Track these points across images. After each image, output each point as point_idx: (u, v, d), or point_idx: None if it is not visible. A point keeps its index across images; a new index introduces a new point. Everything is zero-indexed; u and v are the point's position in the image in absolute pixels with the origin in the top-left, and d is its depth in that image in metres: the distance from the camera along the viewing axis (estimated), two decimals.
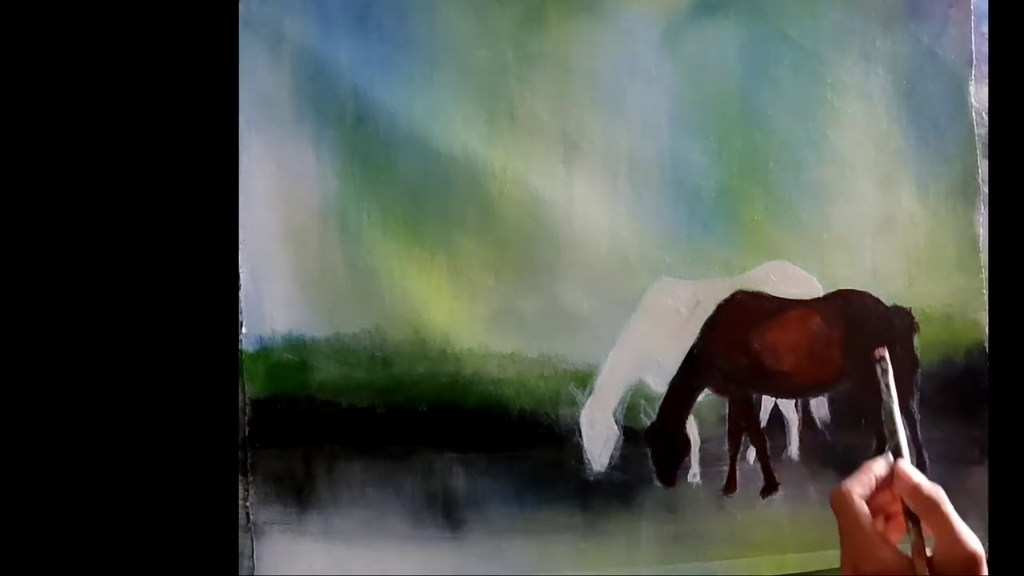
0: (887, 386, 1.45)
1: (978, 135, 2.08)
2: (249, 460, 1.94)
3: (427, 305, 1.98)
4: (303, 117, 1.97)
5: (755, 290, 2.06)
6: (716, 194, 2.05)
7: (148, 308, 1.51)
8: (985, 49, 2.05)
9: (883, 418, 1.44)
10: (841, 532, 1.33)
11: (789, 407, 2.11)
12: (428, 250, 1.99)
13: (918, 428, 2.04)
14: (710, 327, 2.06)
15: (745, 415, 2.08)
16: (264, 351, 1.95)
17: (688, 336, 2.06)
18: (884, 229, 2.09)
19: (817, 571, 1.99)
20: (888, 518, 1.41)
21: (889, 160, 2.09)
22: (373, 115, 1.98)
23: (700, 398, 2.07)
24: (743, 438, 2.08)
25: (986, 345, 2.04)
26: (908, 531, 1.35)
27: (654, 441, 2.04)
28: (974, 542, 1.28)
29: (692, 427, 2.07)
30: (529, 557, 1.98)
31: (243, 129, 1.91)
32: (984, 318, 2.05)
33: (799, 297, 2.07)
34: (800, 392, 2.10)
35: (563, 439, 2.00)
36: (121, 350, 1.49)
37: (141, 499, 1.48)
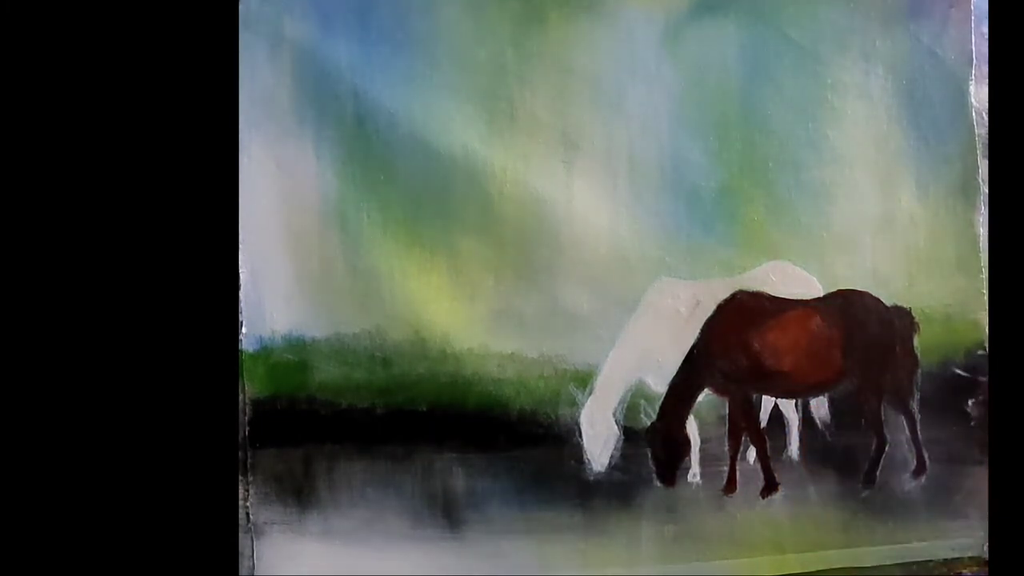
0: None
1: (978, 135, 2.08)
2: (249, 460, 1.93)
3: (427, 305, 1.99)
4: (303, 117, 1.97)
5: (755, 290, 2.07)
6: (716, 194, 2.06)
7: (148, 308, 1.51)
8: (985, 49, 2.05)
9: None
10: None
11: (789, 407, 2.11)
12: (428, 250, 1.99)
13: (918, 428, 2.05)
14: (710, 327, 2.06)
15: (745, 415, 2.08)
16: (264, 351, 1.95)
17: (688, 336, 2.06)
18: (884, 229, 2.09)
19: (817, 571, 1.99)
20: None
21: (889, 160, 2.09)
22: (373, 115, 1.98)
23: (700, 398, 2.07)
24: (743, 438, 2.08)
25: (986, 345, 2.04)
26: None
27: (654, 441, 2.04)
28: None
29: (692, 427, 2.08)
30: (529, 557, 1.98)
31: (243, 129, 1.90)
32: (984, 318, 2.05)
33: (799, 297, 2.07)
34: (800, 392, 2.10)
35: (563, 439, 2.01)
36: (121, 350, 1.49)
37: (142, 499, 1.48)
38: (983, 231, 2.07)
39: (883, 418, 2.05)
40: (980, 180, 2.08)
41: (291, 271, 1.96)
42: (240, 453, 1.92)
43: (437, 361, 1.98)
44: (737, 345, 2.06)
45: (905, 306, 2.07)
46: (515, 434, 2.00)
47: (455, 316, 1.99)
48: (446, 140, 1.99)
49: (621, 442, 2.02)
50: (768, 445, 2.07)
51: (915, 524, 2.00)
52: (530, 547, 1.98)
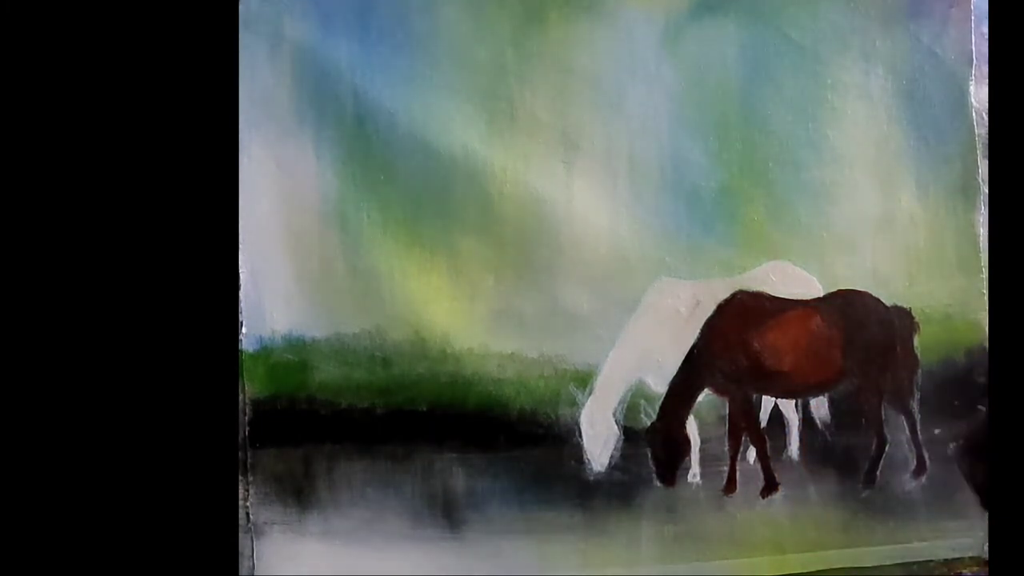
0: None
1: (978, 135, 2.08)
2: (249, 460, 1.94)
3: (427, 305, 1.99)
4: (303, 117, 1.97)
5: (755, 290, 2.07)
6: (716, 194, 2.06)
7: (148, 308, 1.51)
8: (985, 49, 2.04)
9: None
10: None
11: (789, 407, 2.11)
12: (428, 250, 1.99)
13: (918, 428, 2.05)
14: (710, 327, 2.06)
15: (745, 415, 2.08)
16: (264, 351, 1.95)
17: (688, 336, 2.06)
18: (884, 229, 2.09)
19: (817, 571, 1.99)
20: None
21: (889, 160, 2.09)
22: (373, 115, 1.98)
23: (700, 398, 2.07)
24: (743, 438, 2.08)
25: (986, 345, 2.04)
26: None
27: (654, 441, 2.04)
28: None
29: (692, 427, 2.08)
30: (529, 557, 1.98)
31: (243, 129, 1.91)
32: (984, 318, 2.04)
33: (799, 297, 2.07)
34: (800, 392, 2.10)
35: (563, 439, 2.01)
36: (121, 350, 1.49)
37: (142, 499, 1.48)
38: (983, 231, 2.07)
39: (883, 418, 2.05)
40: (980, 180, 2.08)
41: (291, 271, 1.97)
42: (240, 453, 1.92)
43: (437, 361, 1.98)
44: (737, 345, 2.06)
45: (905, 306, 2.07)
46: (515, 434, 2.00)
47: (455, 316, 1.99)
48: (446, 140, 1.99)
49: (621, 442, 2.02)
50: (768, 445, 2.07)
51: (915, 524, 2.00)
52: (530, 547, 1.98)
